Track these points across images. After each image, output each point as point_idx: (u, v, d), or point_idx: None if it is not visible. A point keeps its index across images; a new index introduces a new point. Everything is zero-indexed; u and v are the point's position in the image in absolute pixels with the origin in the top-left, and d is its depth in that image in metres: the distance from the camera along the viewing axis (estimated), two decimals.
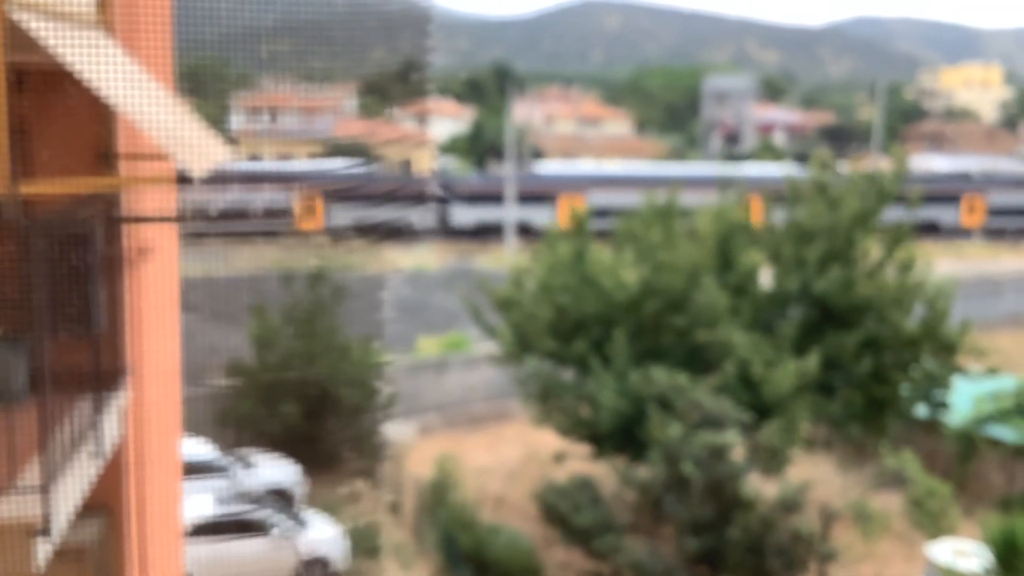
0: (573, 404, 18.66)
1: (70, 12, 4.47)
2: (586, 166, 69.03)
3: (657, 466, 16.16)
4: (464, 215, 54.77)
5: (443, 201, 53.64)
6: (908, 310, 19.17)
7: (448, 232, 54.08)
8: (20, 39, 3.90)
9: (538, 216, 51.33)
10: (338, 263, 40.93)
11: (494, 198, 54.91)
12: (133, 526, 5.99)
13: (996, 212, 59.03)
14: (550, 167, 66.14)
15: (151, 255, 5.92)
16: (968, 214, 58.53)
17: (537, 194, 55.55)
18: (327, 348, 22.35)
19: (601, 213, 56.41)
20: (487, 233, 54.45)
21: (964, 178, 63.04)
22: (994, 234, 58.04)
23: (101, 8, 5.05)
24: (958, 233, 56.77)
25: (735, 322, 18.21)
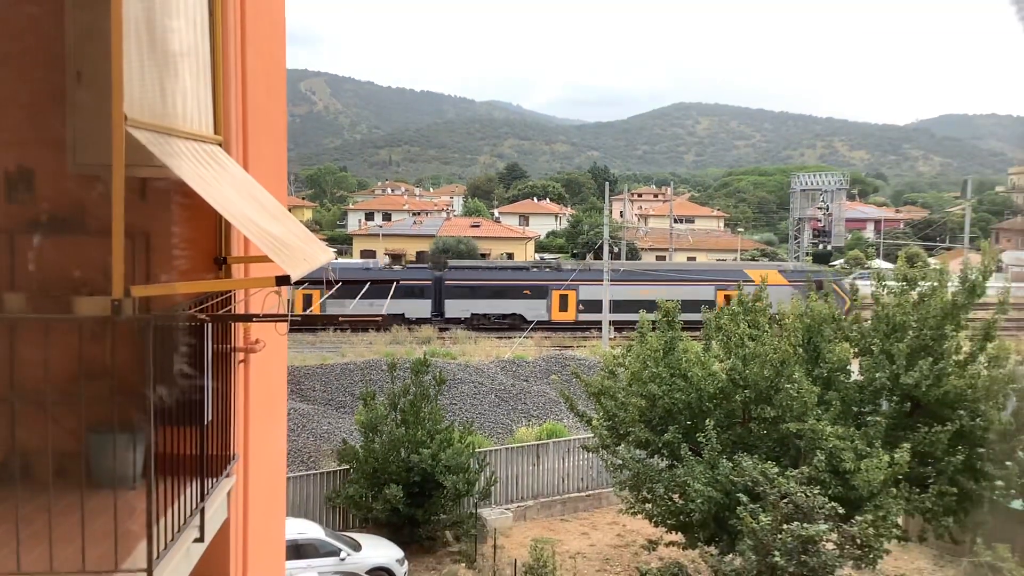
0: (665, 492, 18.25)
1: (188, 130, 4.71)
2: None
3: (748, 556, 15.60)
4: None
5: None
6: (1001, 403, 18.34)
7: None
8: (143, 155, 4.13)
9: None
10: (441, 353, 41.24)
11: None
12: None
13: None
14: None
15: (260, 350, 6.08)
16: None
17: None
18: (430, 434, 22.44)
19: None
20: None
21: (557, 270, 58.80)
22: None
23: (217, 125, 5.32)
24: None
25: (824, 414, 17.67)
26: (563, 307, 55.56)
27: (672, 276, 58.14)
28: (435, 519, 22.69)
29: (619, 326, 51.97)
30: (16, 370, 4.82)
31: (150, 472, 3.97)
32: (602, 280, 53.98)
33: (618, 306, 52.64)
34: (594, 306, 54.14)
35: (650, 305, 55.84)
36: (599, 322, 51.43)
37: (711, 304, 56.00)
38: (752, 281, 57.00)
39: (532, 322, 53.35)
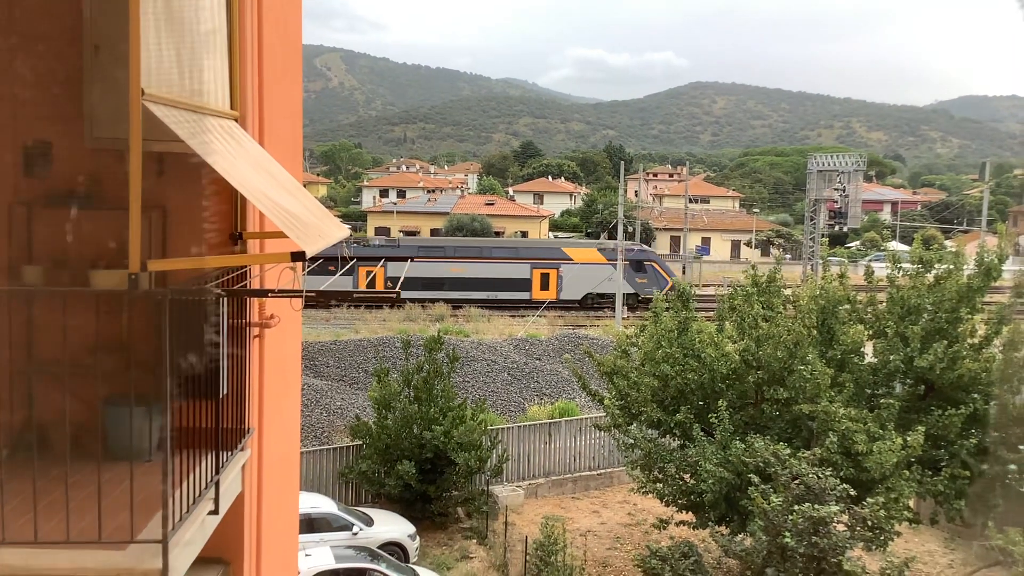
0: (676, 472, 18.27)
1: (204, 105, 4.72)
2: None
3: (758, 536, 15.63)
4: None
5: None
6: (1016, 387, 18.26)
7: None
8: (160, 130, 4.13)
9: None
10: (455, 330, 41.33)
11: None
12: None
13: None
14: None
15: (275, 325, 6.10)
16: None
17: None
18: (442, 411, 22.52)
19: None
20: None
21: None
22: None
23: (233, 100, 5.32)
24: None
25: (838, 396, 17.63)
26: (370, 286, 53.87)
27: (486, 253, 54.94)
28: (447, 495, 22.81)
29: (427, 303, 50.18)
30: (34, 343, 4.86)
31: (166, 444, 4.01)
32: (411, 257, 51.96)
33: (427, 284, 51.08)
34: (404, 284, 52.59)
35: (461, 283, 53.97)
36: (415, 300, 49.98)
37: (527, 283, 54.44)
38: (570, 259, 55.47)
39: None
